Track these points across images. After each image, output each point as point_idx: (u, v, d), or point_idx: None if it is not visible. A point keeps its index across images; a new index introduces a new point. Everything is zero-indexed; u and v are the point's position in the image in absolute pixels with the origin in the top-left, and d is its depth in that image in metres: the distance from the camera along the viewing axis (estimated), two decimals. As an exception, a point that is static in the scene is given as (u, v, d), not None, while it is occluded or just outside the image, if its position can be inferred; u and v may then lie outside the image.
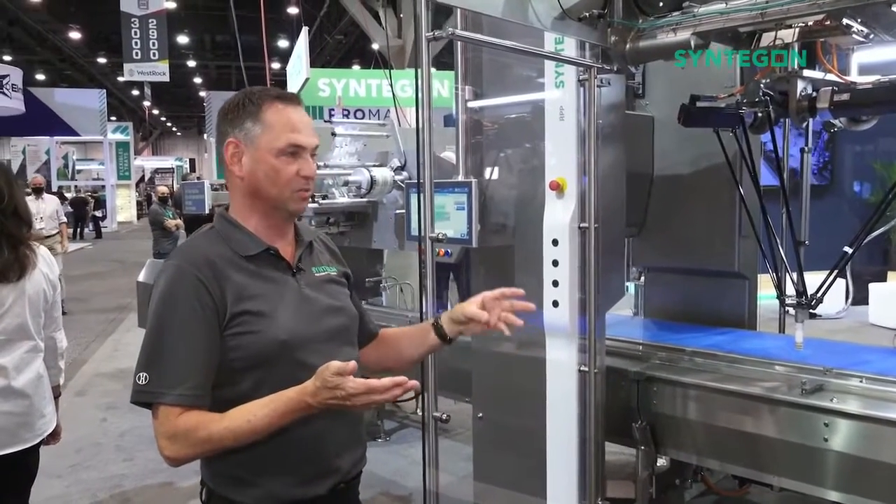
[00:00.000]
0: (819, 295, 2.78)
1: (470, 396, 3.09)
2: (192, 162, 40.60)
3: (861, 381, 2.56)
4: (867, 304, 7.84)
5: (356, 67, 21.63)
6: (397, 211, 3.95)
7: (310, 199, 1.70)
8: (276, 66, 20.57)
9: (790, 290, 2.85)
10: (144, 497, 4.19)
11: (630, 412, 2.88)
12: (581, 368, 2.62)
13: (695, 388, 2.74)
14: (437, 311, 1.89)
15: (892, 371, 2.61)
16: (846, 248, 2.81)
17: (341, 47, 24.19)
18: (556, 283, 2.66)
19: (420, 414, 5.18)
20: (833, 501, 2.51)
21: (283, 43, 22.46)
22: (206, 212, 5.54)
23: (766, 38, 2.70)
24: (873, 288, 7.89)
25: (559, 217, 2.65)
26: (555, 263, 2.66)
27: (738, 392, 2.63)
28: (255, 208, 1.63)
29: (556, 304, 2.67)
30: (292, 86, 13.06)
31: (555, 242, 2.65)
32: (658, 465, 2.90)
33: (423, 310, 2.01)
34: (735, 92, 2.83)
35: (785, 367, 2.73)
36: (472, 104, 2.98)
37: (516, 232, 2.88)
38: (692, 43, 2.55)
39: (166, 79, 20.03)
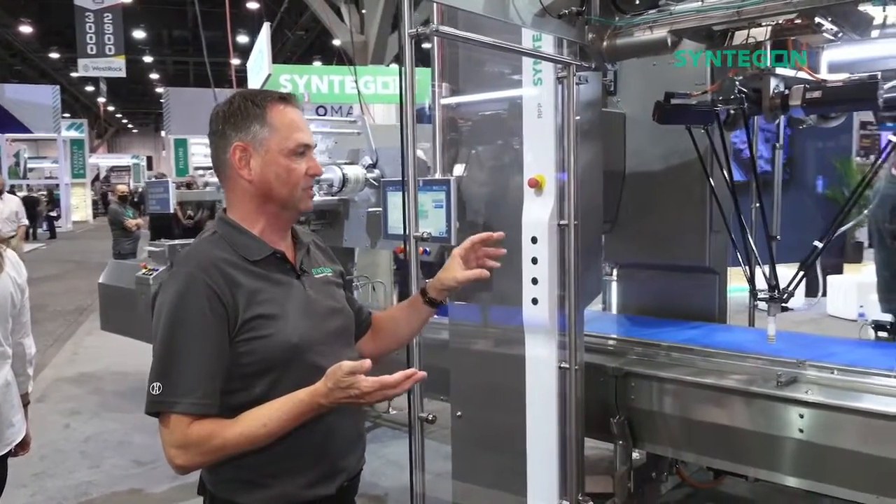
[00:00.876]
0: (791, 289, 2.83)
1: (447, 395, 3.08)
2: (149, 160, 39.82)
3: (833, 373, 2.62)
4: (825, 296, 8.03)
5: (318, 64, 21.42)
6: (369, 209, 3.92)
7: (313, 198, 1.71)
8: (235, 61, 20.28)
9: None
10: (113, 504, 4.10)
11: (608, 407, 2.90)
12: (562, 365, 2.63)
13: (672, 383, 2.76)
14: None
15: (862, 362, 2.67)
16: (816, 243, 2.87)
17: (302, 43, 23.97)
18: (535, 281, 2.66)
19: (392, 413, 5.18)
20: (807, 491, 2.57)
21: (242, 39, 22.16)
22: (171, 210, 5.45)
23: (739, 37, 2.75)
24: (831, 280, 8.09)
25: (538, 214, 2.65)
26: (534, 261, 2.66)
27: (714, 386, 2.67)
28: (263, 211, 1.63)
29: (535, 301, 2.67)
30: (253, 82, 12.88)
31: (534, 240, 2.66)
32: (633, 458, 2.94)
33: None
34: (708, 90, 2.86)
35: (759, 361, 2.77)
36: (447, 101, 2.97)
37: (494, 228, 2.86)
38: (668, 41, 2.57)
39: (123, 74, 19.58)
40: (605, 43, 2.68)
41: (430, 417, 1.99)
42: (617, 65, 3.32)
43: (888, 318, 2.74)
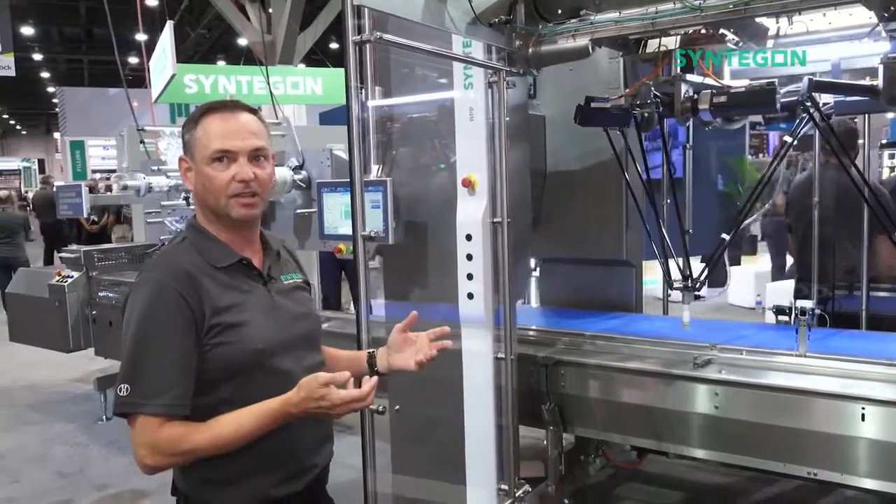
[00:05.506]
0: (703, 278, 3.07)
1: (384, 391, 3.16)
2: (41, 162, 37.72)
3: (742, 354, 2.86)
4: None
5: (221, 63, 20.92)
6: (297, 211, 3.94)
7: (254, 206, 1.65)
8: (133, 60, 19.56)
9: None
10: (38, 518, 3.97)
11: (539, 395, 3.05)
12: (498, 356, 2.76)
13: (599, 369, 2.95)
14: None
15: (767, 343, 2.93)
16: (724, 235, 3.12)
17: (205, 42, 23.33)
18: (470, 277, 2.78)
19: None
20: (721, 464, 2.79)
21: (140, 37, 21.35)
22: (85, 215, 5.28)
23: (651, 45, 2.96)
24: (732, 271, 8.61)
25: (472, 213, 2.77)
26: (469, 257, 2.78)
27: (638, 370, 2.86)
28: (216, 219, 1.66)
29: (470, 296, 2.79)
30: (156, 83, 12.51)
31: (468, 237, 2.77)
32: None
33: (360, 309, 2.07)
34: (626, 93, 3.06)
35: (676, 345, 2.99)
36: (377, 103, 3.04)
37: (429, 228, 2.97)
38: (590, 49, 2.75)
39: (12, 73, 18.52)
40: (530, 50, 2.84)
41: (381, 409, 2.07)
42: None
43: (786, 303, 3.00)
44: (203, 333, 1.55)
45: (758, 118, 3.17)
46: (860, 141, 3.59)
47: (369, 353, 1.87)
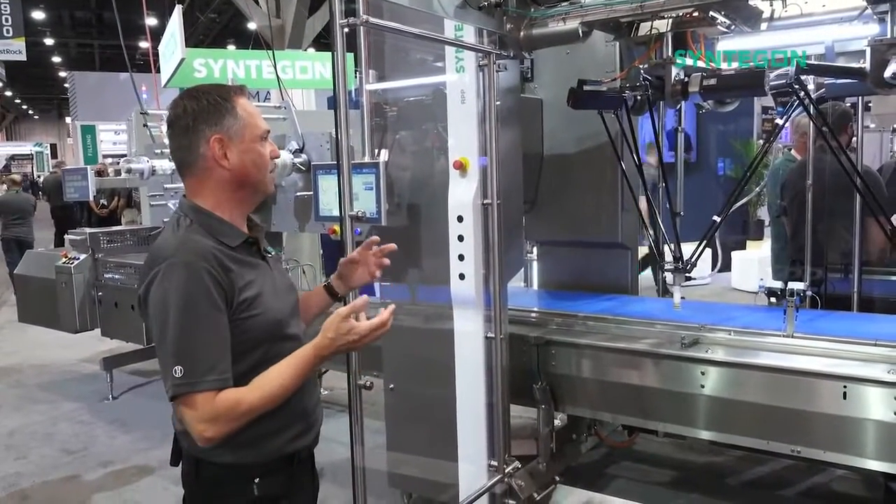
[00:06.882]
0: (693, 260, 3.10)
1: (380, 371, 3.21)
2: (53, 147, 37.96)
3: (730, 334, 2.90)
4: (730, 270, 8.56)
5: (231, 48, 20.93)
6: (297, 194, 3.99)
7: None
8: (144, 44, 19.59)
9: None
10: (45, 493, 4.06)
11: (531, 374, 3.11)
12: (488, 336, 2.81)
13: (589, 349, 3.00)
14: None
15: (756, 324, 2.97)
16: (715, 218, 3.14)
17: (215, 26, 23.34)
18: (461, 257, 2.82)
19: (324, 393, 5.27)
20: (711, 442, 2.83)
21: (149, 21, 21.36)
22: (91, 198, 5.34)
23: (644, 28, 2.99)
24: (735, 256, 8.61)
25: (463, 195, 2.81)
26: (460, 238, 2.82)
27: (626, 349, 2.91)
28: (236, 198, 1.75)
29: (462, 276, 2.84)
30: (166, 67, 12.55)
31: (460, 219, 2.81)
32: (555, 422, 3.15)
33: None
34: (617, 77, 3.09)
35: (666, 326, 3.03)
36: (373, 87, 3.07)
37: (421, 210, 3.02)
38: (580, 32, 2.77)
39: (23, 58, 18.61)
40: (521, 33, 2.87)
41: (368, 384, 2.14)
42: (533, 53, 3.51)
43: (779, 284, 3.03)
44: (234, 308, 1.64)
45: (769, 102, 3.19)
46: (852, 124, 3.60)
47: (325, 284, 2.05)
